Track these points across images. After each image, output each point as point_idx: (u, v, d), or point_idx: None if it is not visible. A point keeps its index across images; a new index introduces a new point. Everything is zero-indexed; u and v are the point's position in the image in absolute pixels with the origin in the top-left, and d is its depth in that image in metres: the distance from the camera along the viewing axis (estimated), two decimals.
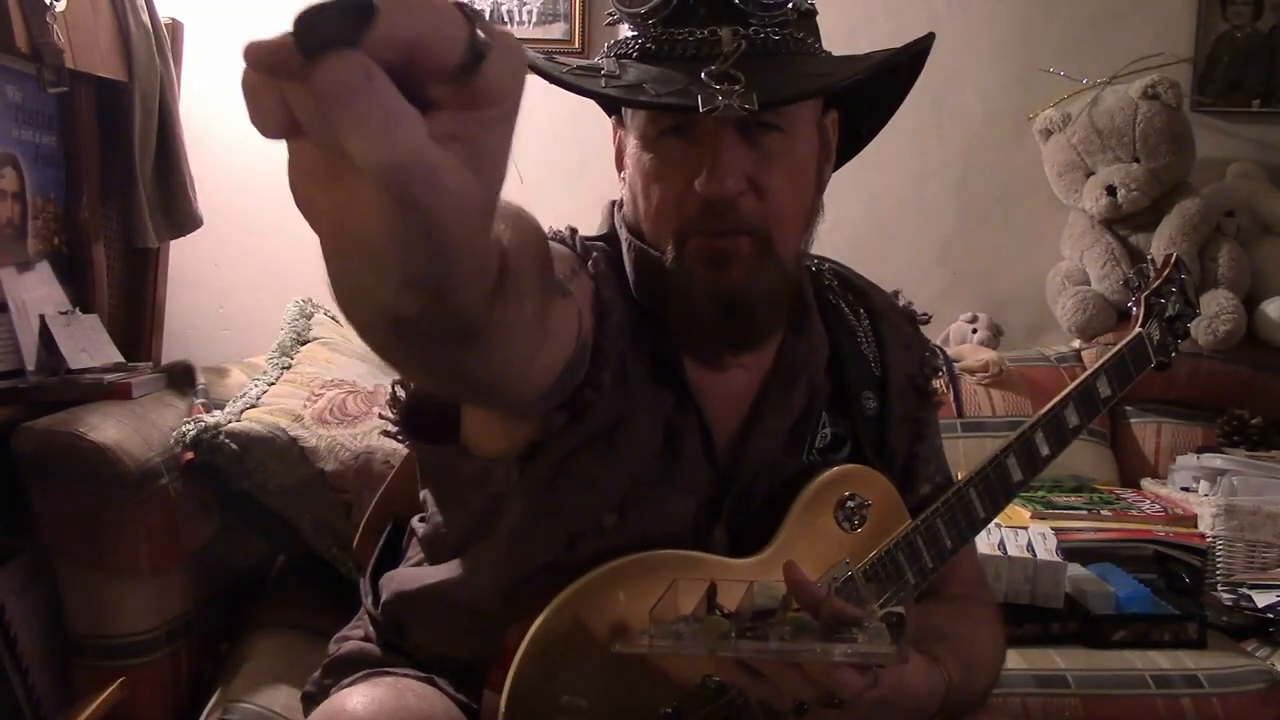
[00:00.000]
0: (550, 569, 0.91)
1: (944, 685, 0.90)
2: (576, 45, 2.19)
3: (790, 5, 0.88)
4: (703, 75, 0.82)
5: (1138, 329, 1.15)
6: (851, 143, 1.05)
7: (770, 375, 1.00)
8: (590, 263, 0.91)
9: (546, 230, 0.94)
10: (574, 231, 0.96)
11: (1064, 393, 1.09)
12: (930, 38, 0.93)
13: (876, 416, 1.04)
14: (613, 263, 0.96)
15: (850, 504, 0.99)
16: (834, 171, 1.02)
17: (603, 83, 0.87)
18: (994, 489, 1.04)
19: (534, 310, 0.57)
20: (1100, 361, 1.12)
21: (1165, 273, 1.20)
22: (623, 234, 0.98)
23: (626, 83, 0.86)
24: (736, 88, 0.80)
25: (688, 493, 0.95)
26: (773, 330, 0.98)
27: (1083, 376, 1.10)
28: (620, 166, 0.98)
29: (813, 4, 0.94)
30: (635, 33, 0.90)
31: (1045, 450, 1.07)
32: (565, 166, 2.21)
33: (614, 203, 1.03)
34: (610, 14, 0.92)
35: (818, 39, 0.94)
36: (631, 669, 0.88)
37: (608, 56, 0.91)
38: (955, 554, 1.03)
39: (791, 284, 0.98)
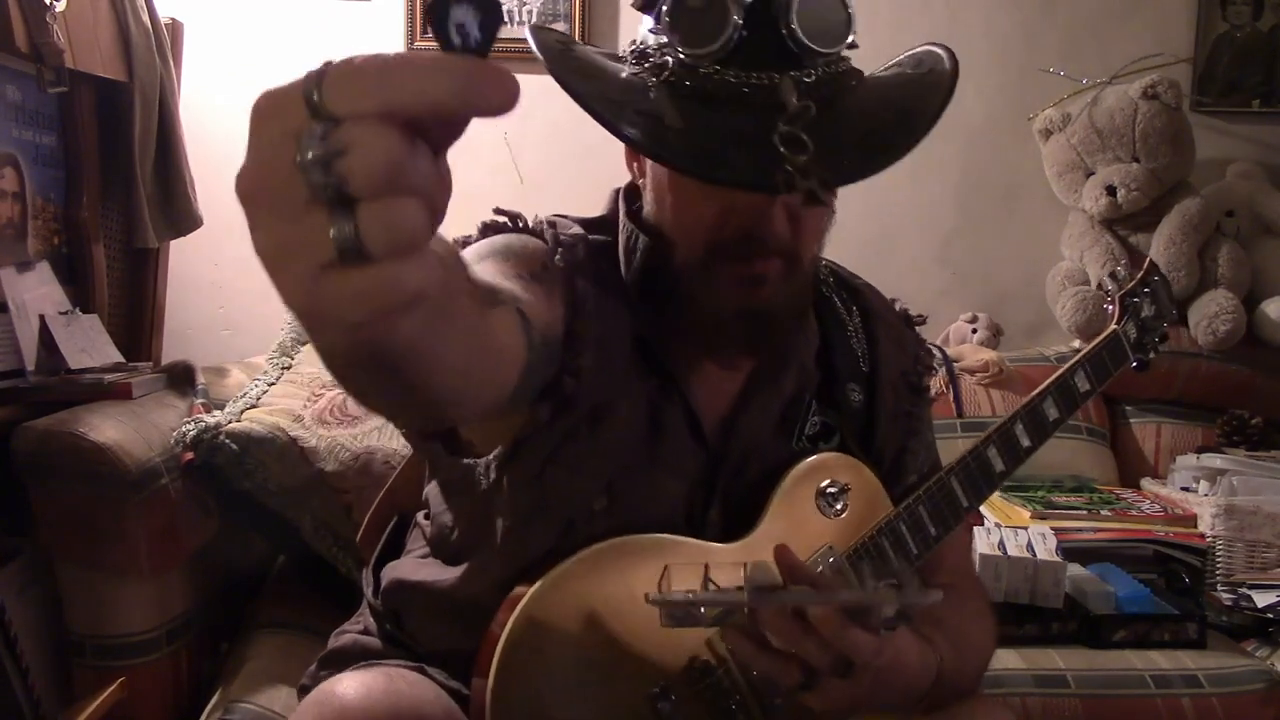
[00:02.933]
0: (548, 557, 0.92)
1: (936, 665, 0.91)
2: None
3: (845, 46, 0.87)
4: (774, 138, 0.78)
5: (1113, 326, 1.18)
6: None
7: (761, 359, 1.02)
8: (560, 255, 0.93)
9: (530, 220, 0.98)
10: (553, 224, 0.97)
11: (1042, 386, 1.11)
12: (954, 72, 0.91)
13: (862, 410, 1.06)
14: (596, 250, 0.98)
15: (831, 491, 1.01)
16: None
17: (670, 137, 0.84)
18: (975, 478, 1.06)
19: (472, 336, 0.58)
20: (1077, 357, 1.14)
21: (1140, 275, 1.23)
22: (623, 223, 1.00)
23: (691, 139, 0.83)
24: (803, 157, 0.76)
25: (677, 474, 0.97)
26: (793, 333, 1.00)
27: (1060, 370, 1.12)
28: (633, 168, 0.99)
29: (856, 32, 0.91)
30: (687, 61, 0.85)
31: (1026, 442, 1.09)
32: (565, 166, 2.21)
33: (618, 190, 1.04)
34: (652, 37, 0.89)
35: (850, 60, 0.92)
36: (618, 650, 0.89)
37: (654, 79, 0.86)
38: (940, 541, 1.04)
39: (811, 287, 1.01)
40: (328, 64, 0.40)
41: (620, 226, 1.00)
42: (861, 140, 0.85)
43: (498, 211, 1.00)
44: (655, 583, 0.81)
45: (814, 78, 0.84)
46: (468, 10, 0.41)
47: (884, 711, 0.91)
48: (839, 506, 1.00)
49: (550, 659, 0.88)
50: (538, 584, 0.89)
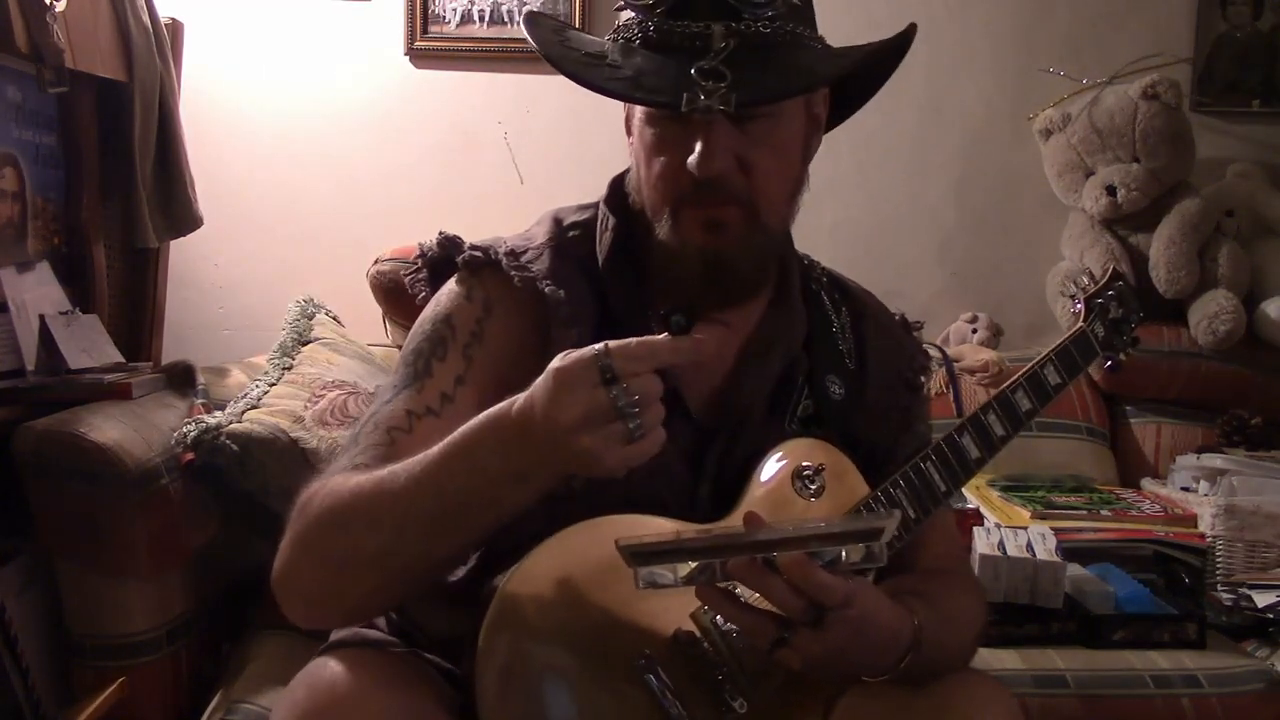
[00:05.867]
0: (532, 541, 0.93)
1: (911, 627, 0.92)
2: None
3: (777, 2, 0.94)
4: (692, 71, 0.90)
5: (1080, 325, 1.24)
6: (844, 107, 1.11)
7: (750, 339, 1.07)
8: (518, 275, 1.03)
9: (487, 240, 1.07)
10: (512, 252, 1.05)
11: (1014, 379, 1.15)
12: (912, 29, 1.02)
13: (841, 403, 1.10)
14: (571, 245, 1.07)
15: (807, 473, 1.03)
16: (826, 133, 1.09)
17: (606, 73, 0.95)
18: (950, 464, 1.08)
19: None
20: (1047, 351, 1.19)
21: (1105, 280, 1.29)
22: (601, 207, 1.09)
23: (626, 75, 0.94)
24: (721, 85, 0.89)
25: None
26: (756, 289, 1.06)
27: (1030, 364, 1.17)
28: (629, 131, 1.06)
29: None
30: (639, 17, 0.96)
31: (999, 431, 1.12)
32: (565, 166, 2.21)
33: (614, 178, 1.10)
34: (619, 4, 0.99)
35: (810, 27, 1.00)
36: (601, 625, 0.90)
37: (615, 40, 0.98)
38: (919, 524, 1.06)
39: (776, 248, 1.06)
40: (607, 346, 0.81)
41: (600, 218, 1.08)
42: (781, 71, 0.94)
43: (442, 242, 1.10)
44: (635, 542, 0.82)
45: (752, 28, 0.92)
46: (680, 315, 0.84)
47: (864, 673, 0.92)
48: (815, 488, 1.03)
49: (533, 637, 0.89)
50: (516, 566, 0.91)
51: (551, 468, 0.84)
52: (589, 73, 0.96)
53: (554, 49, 0.99)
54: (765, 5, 0.93)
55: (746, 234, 0.98)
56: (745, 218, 0.98)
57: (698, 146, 0.93)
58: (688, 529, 0.95)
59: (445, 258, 1.09)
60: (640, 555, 0.81)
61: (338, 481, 0.93)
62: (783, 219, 1.04)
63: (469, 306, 1.04)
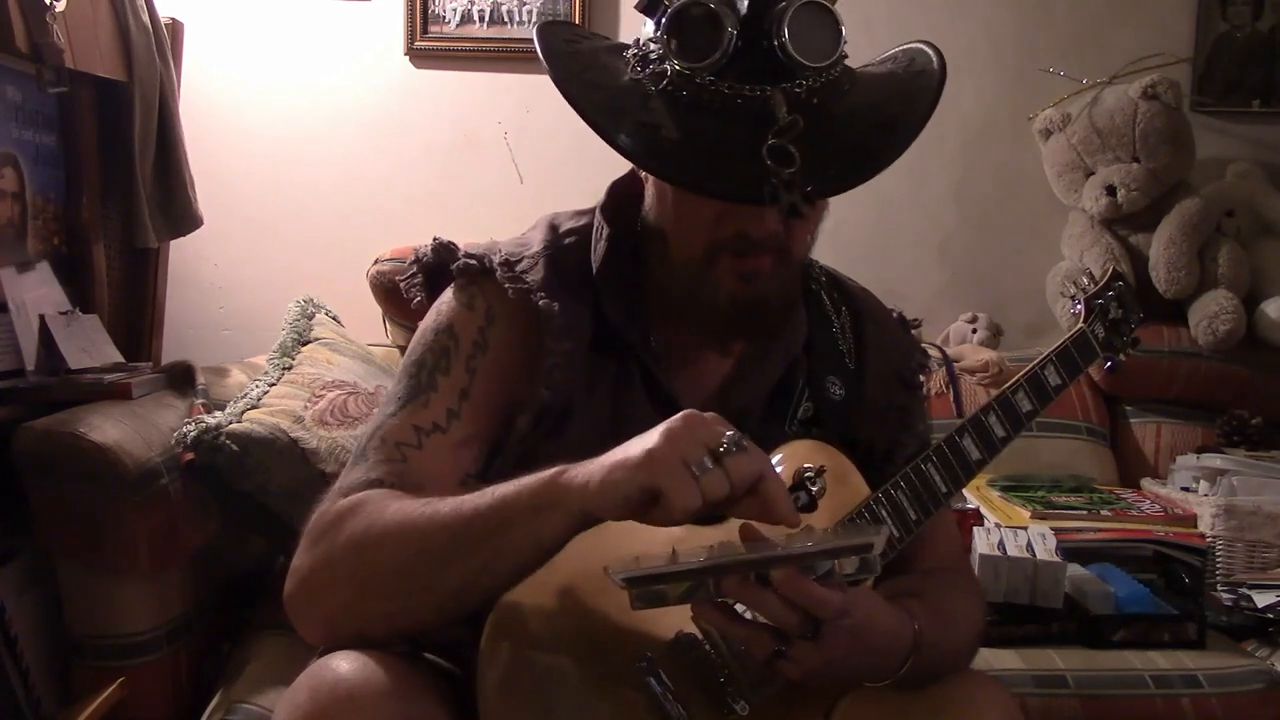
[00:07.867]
0: None
1: (912, 630, 0.92)
2: None
3: (836, 59, 0.91)
4: (764, 151, 0.84)
5: (1080, 325, 1.24)
6: None
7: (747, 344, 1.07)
8: (512, 287, 1.01)
9: (482, 245, 1.06)
10: (508, 262, 1.03)
11: (1013, 380, 1.15)
12: (943, 70, 0.97)
13: (842, 404, 1.10)
14: (567, 252, 1.05)
15: (808, 475, 1.01)
16: None
17: (663, 149, 0.90)
18: (952, 465, 1.08)
19: None
20: (1047, 352, 1.19)
21: (1105, 280, 1.29)
22: (596, 218, 1.07)
23: (685, 156, 0.90)
24: (791, 171, 0.83)
25: None
26: (784, 323, 1.05)
27: (1031, 365, 1.17)
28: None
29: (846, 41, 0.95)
30: (684, 71, 0.90)
31: (1000, 431, 1.12)
32: (565, 165, 2.21)
33: (613, 184, 1.09)
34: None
35: (844, 61, 0.96)
36: (601, 630, 0.90)
37: (651, 91, 0.91)
38: (920, 525, 1.06)
39: (800, 278, 1.07)
40: (742, 436, 0.82)
41: (596, 228, 1.07)
42: (848, 151, 0.90)
43: (437, 249, 1.09)
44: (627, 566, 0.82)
45: (804, 89, 0.89)
46: (809, 495, 0.89)
47: (865, 678, 0.92)
48: (816, 490, 1.01)
49: (534, 642, 0.89)
50: None
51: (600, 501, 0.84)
52: (645, 153, 0.91)
53: (596, 119, 0.90)
54: (823, 70, 0.90)
55: (778, 275, 0.98)
56: (778, 261, 0.97)
57: (748, 209, 0.91)
58: (685, 536, 0.94)
59: (440, 264, 1.09)
60: (634, 581, 0.81)
61: (375, 506, 0.92)
62: (807, 250, 1.04)
63: (472, 315, 1.03)
